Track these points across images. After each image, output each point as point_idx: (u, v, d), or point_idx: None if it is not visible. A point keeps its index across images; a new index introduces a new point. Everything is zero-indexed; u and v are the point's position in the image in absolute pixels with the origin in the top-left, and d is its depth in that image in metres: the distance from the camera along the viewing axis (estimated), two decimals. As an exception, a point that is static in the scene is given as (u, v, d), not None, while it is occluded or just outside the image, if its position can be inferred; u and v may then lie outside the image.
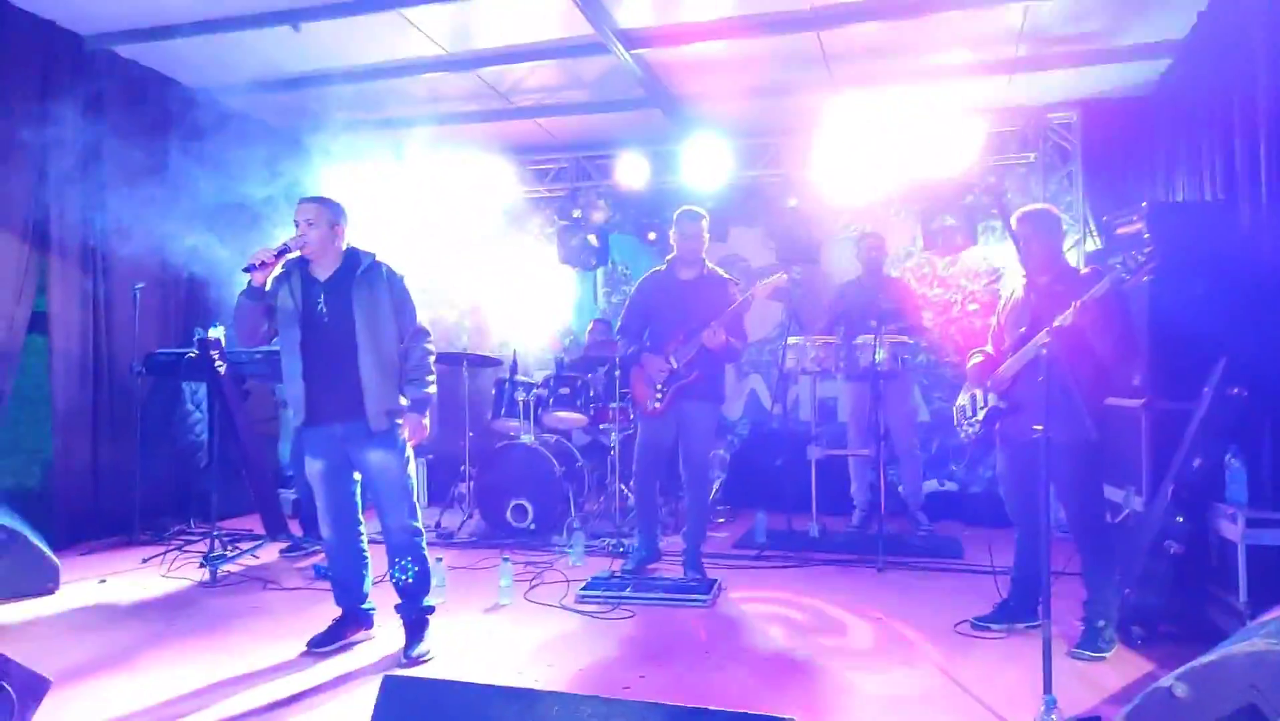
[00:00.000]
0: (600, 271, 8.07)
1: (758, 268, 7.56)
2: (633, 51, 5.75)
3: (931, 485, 6.70)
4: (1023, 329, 3.62)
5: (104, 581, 4.80)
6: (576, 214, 7.38)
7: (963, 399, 3.92)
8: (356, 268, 3.59)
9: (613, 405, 6.20)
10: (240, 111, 6.93)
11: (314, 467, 3.61)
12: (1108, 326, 3.33)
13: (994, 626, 3.85)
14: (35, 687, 2.82)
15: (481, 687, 2.08)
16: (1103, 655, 3.47)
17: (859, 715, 3.01)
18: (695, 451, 4.82)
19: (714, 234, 7.43)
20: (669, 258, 4.91)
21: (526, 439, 6.02)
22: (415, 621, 3.65)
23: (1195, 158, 5.09)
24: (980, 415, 3.79)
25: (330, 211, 3.55)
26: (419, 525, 3.70)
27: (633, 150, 6.78)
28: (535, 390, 6.30)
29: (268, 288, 3.48)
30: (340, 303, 3.53)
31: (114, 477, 5.85)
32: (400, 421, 3.60)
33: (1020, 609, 3.86)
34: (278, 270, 3.48)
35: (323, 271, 3.58)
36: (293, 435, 5.45)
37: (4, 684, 2.70)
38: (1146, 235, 4.06)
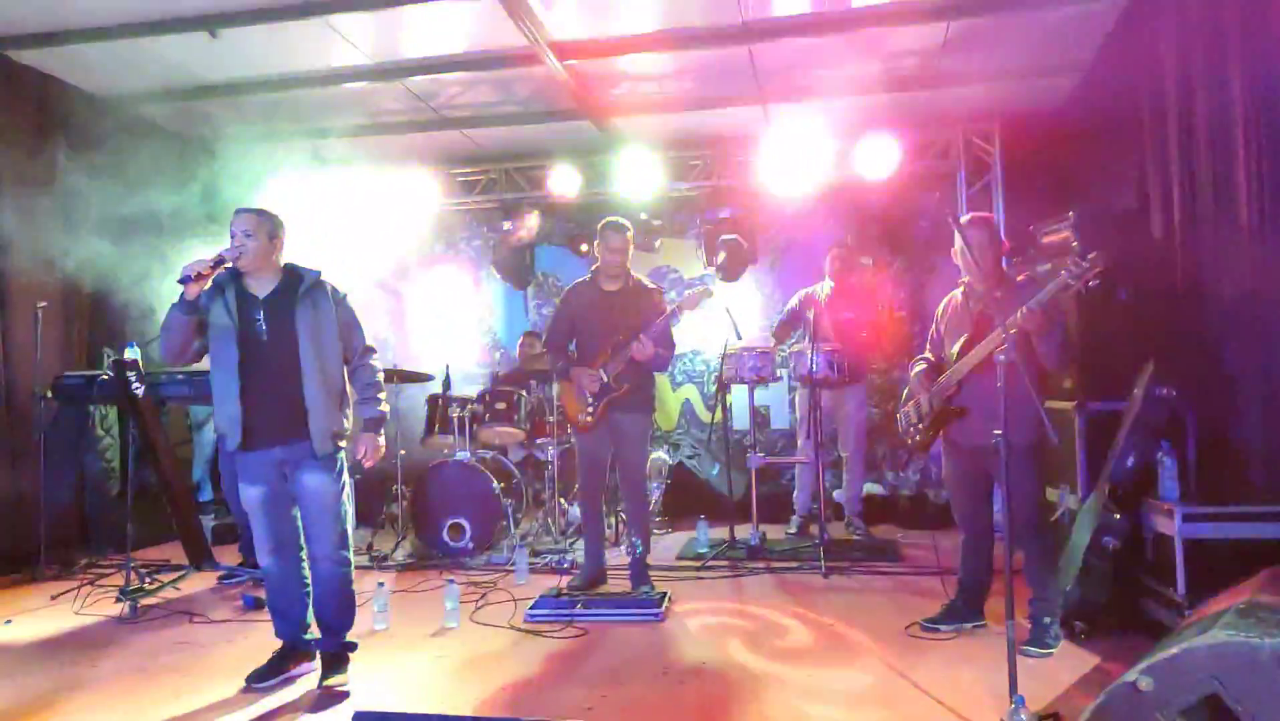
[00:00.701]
0: (528, 283, 7.96)
1: (689, 278, 7.58)
2: (565, 62, 5.70)
3: (866, 489, 6.80)
4: (965, 336, 3.71)
5: (9, 622, 4.45)
6: (506, 226, 7.27)
7: (908, 406, 3.99)
8: (299, 284, 3.42)
9: (549, 419, 6.12)
10: (150, 119, 6.61)
11: (252, 493, 3.40)
12: (1050, 331, 3.43)
13: (943, 627, 3.92)
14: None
15: (455, 719, 1.98)
16: (1050, 651, 3.56)
17: (825, 723, 3.01)
18: (632, 463, 4.80)
19: (644, 245, 7.48)
20: (593, 269, 4.87)
21: (462, 455, 5.87)
22: (335, 656, 3.47)
23: (1109, 169, 5.34)
24: (925, 421, 3.85)
25: (269, 223, 3.38)
26: (349, 555, 3.52)
27: (564, 161, 6.72)
28: (470, 406, 6.15)
29: (200, 301, 3.28)
30: (282, 321, 3.36)
31: (16, 510, 5.45)
32: (344, 445, 3.45)
33: (967, 610, 3.94)
34: (207, 284, 3.29)
35: (260, 287, 3.40)
36: (220, 459, 5.18)
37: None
38: (1075, 243, 4.23)
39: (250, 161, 5.90)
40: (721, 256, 7.12)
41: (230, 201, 5.32)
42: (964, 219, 3.77)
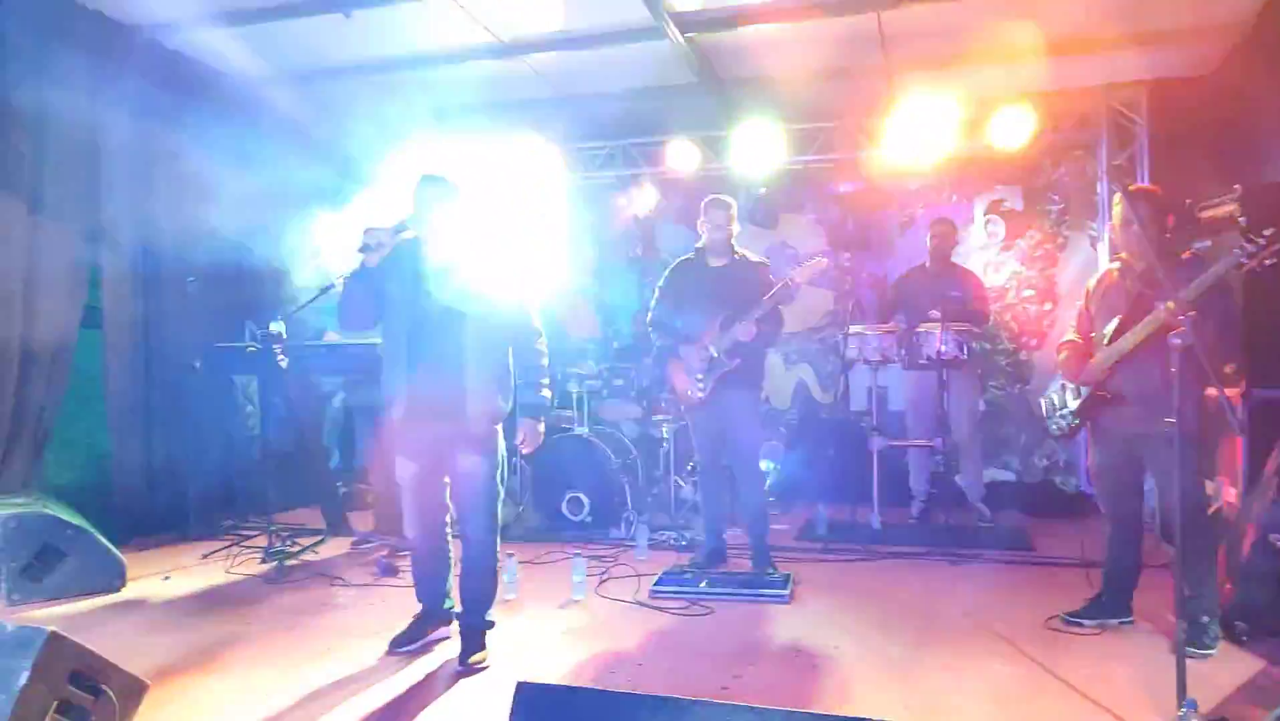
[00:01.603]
0: (643, 260, 7.95)
1: (805, 254, 7.44)
2: (686, 35, 5.63)
3: (989, 475, 6.58)
4: (1119, 317, 3.50)
5: (168, 578, 4.76)
6: (622, 201, 7.27)
7: (1052, 391, 3.81)
8: (474, 258, 3.38)
9: (664, 396, 6.12)
10: (288, 100, 6.85)
11: (406, 469, 3.43)
12: (1211, 312, 3.21)
13: (1086, 622, 3.75)
14: (134, 690, 2.78)
15: (623, 696, 2.00)
16: (1210, 652, 3.36)
17: (971, 714, 2.93)
18: (744, 441, 4.75)
19: (763, 221, 7.38)
20: (698, 245, 4.82)
21: (581, 430, 5.94)
22: (474, 629, 3.50)
23: (1272, 140, 4.95)
24: (1073, 407, 3.67)
25: (450, 191, 3.37)
26: (496, 538, 3.53)
27: (681, 136, 6.66)
28: (588, 381, 6.22)
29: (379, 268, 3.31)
30: (454, 295, 3.32)
31: (168, 472, 5.82)
32: (498, 427, 3.45)
33: (1114, 605, 3.76)
34: (387, 252, 3.32)
35: (437, 258, 3.38)
36: (359, 427, 5.38)
37: (105, 687, 2.66)
38: (1241, 219, 3.94)
39: (381, 136, 6.07)
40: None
41: (363, 178, 5.54)
42: (1131, 188, 3.54)
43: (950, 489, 5.96)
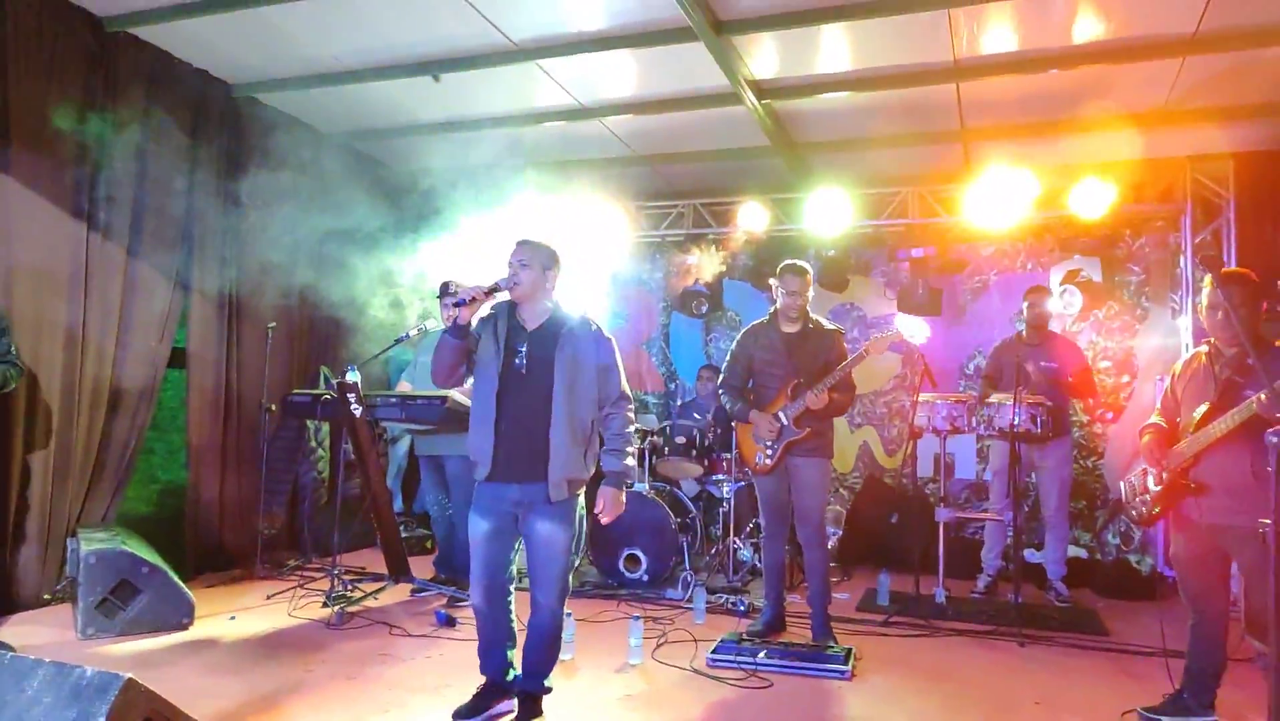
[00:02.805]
0: (709, 318, 7.98)
1: (873, 317, 7.39)
2: (763, 102, 5.71)
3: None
4: (1206, 405, 3.39)
5: (234, 618, 4.86)
6: (692, 259, 7.34)
7: (1133, 475, 3.69)
8: (565, 322, 3.43)
9: (725, 456, 6.09)
10: (374, 157, 7.13)
11: (481, 526, 3.40)
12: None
13: (1165, 719, 3.58)
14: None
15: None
16: (1304, 762, 3.17)
17: (1043, 818, 2.80)
18: (811, 508, 4.67)
19: (832, 283, 7.36)
20: (772, 310, 4.81)
21: (641, 487, 5.94)
22: (532, 696, 3.48)
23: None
24: (1154, 493, 3.55)
25: (544, 255, 3.41)
26: (565, 609, 3.51)
27: (753, 197, 6.71)
28: (650, 437, 6.22)
29: (473, 327, 3.37)
30: (543, 357, 3.33)
31: (239, 511, 5.98)
32: (580, 494, 3.43)
33: (1196, 702, 3.57)
34: (485, 310, 3.37)
35: (530, 320, 3.41)
36: (423, 476, 5.46)
37: (171, 733, 2.71)
38: (1337, 303, 3.80)
39: (460, 192, 6.26)
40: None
41: (440, 232, 5.70)
42: (1223, 272, 3.44)
43: (1024, 565, 5.77)
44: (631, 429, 3.49)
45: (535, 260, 3.38)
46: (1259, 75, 5.08)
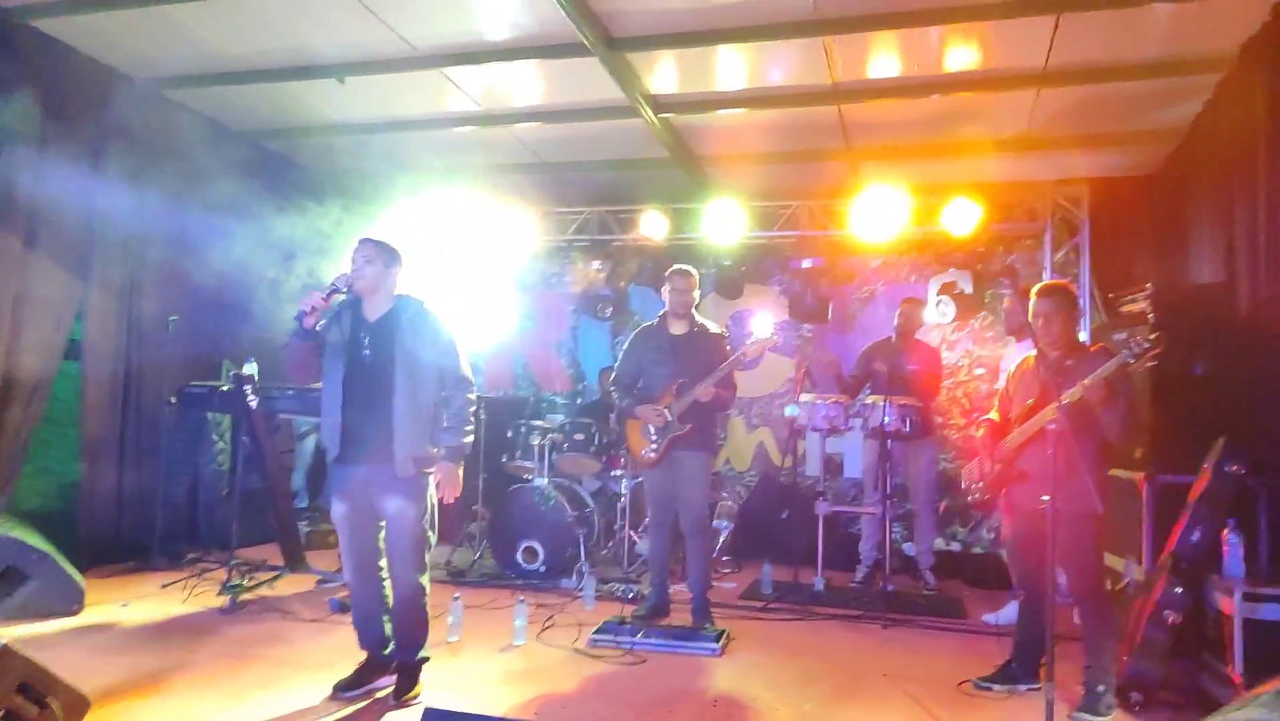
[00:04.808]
0: (615, 321, 8.24)
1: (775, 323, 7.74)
2: (660, 115, 6.00)
3: (936, 544, 6.79)
4: (1030, 401, 3.78)
5: (126, 605, 4.92)
6: (597, 265, 7.60)
7: (971, 464, 4.08)
8: (405, 310, 3.69)
9: (622, 453, 6.35)
10: (279, 154, 7.21)
11: (338, 508, 3.64)
12: (1113, 404, 3.48)
13: (995, 687, 3.96)
14: (78, 706, 2.96)
15: (519, 722, 2.19)
16: (1102, 719, 3.57)
17: (866, 768, 3.12)
18: (692, 500, 4.97)
19: (728, 291, 7.71)
20: (661, 313, 5.13)
21: (540, 482, 6.15)
22: (408, 668, 3.69)
23: (1200, 239, 5.30)
24: (986, 481, 3.93)
25: (387, 253, 3.68)
26: (424, 581, 3.70)
27: (654, 207, 7.01)
28: (550, 434, 6.44)
29: (318, 327, 3.61)
30: (384, 344, 3.61)
31: (137, 503, 5.99)
32: (428, 471, 3.66)
33: (1022, 671, 3.97)
34: (324, 311, 3.60)
35: (373, 311, 3.68)
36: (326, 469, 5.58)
37: (50, 701, 2.83)
38: (1150, 315, 4.25)
39: (368, 193, 6.38)
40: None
41: (349, 231, 5.83)
42: (1035, 287, 3.86)
43: (901, 556, 6.17)
44: (470, 410, 3.74)
45: (379, 257, 3.65)
46: (1108, 107, 5.58)
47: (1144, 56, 4.94)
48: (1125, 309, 4.67)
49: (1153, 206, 6.22)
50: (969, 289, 7.02)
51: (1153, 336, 3.22)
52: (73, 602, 4.65)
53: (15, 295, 5.19)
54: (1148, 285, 4.55)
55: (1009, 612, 4.74)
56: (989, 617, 5.02)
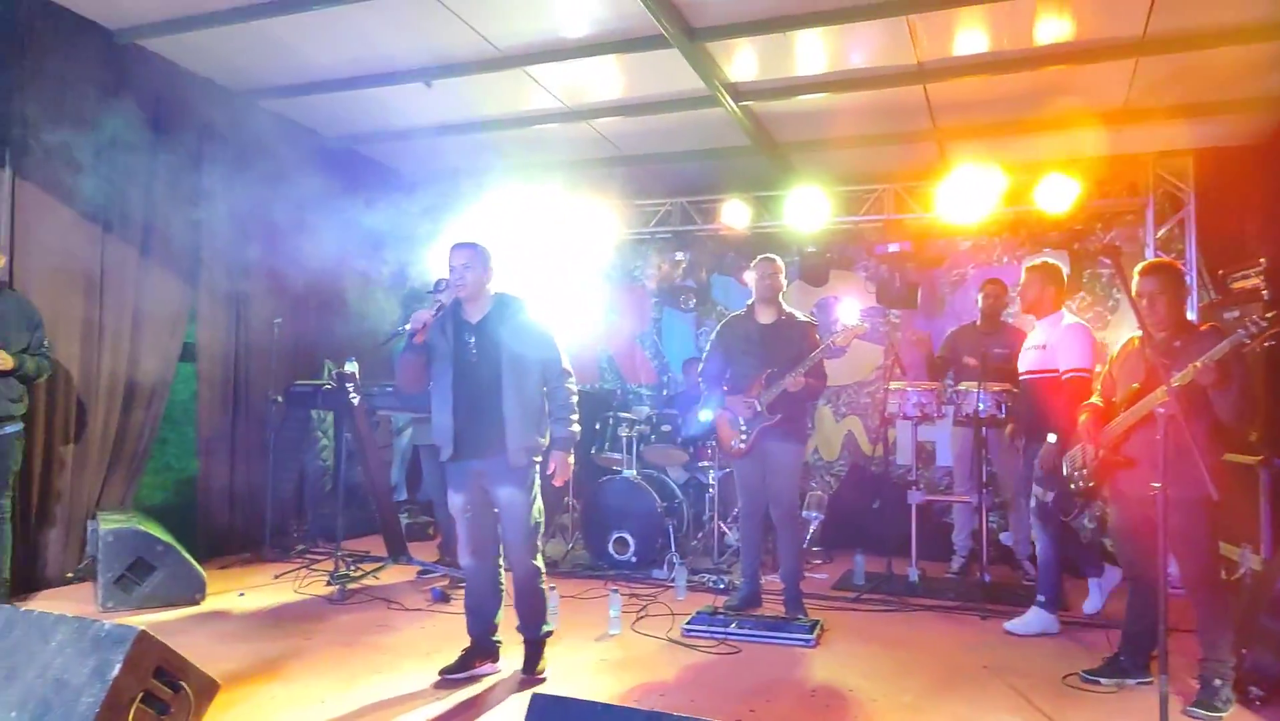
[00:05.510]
0: (699, 311, 8.26)
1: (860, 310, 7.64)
2: (740, 103, 5.97)
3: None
4: (1137, 384, 3.64)
5: (242, 595, 5.18)
6: (680, 256, 7.62)
7: (1074, 451, 3.95)
8: (505, 309, 3.79)
9: (710, 444, 6.36)
10: (370, 158, 7.44)
11: (456, 500, 3.80)
12: (1226, 386, 3.32)
13: (1103, 681, 3.83)
14: (208, 689, 3.14)
15: (631, 711, 2.23)
16: (1219, 715, 3.43)
17: (970, 760, 3.07)
18: (783, 490, 4.94)
19: (813, 278, 7.63)
20: (749, 302, 5.10)
21: (629, 473, 6.22)
22: (535, 642, 3.90)
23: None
24: (1090, 469, 3.81)
25: (483, 256, 3.77)
26: (539, 564, 3.88)
27: (735, 196, 6.98)
28: (638, 426, 6.50)
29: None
30: (489, 343, 3.72)
31: (248, 498, 6.31)
32: (537, 460, 3.79)
33: (1131, 664, 3.84)
34: (429, 323, 3.70)
35: (475, 313, 3.79)
36: (423, 465, 5.75)
37: (183, 684, 3.02)
38: (1265, 292, 4.03)
39: (455, 192, 6.54)
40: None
41: (439, 230, 6.00)
42: (1138, 266, 3.71)
43: (998, 546, 6.02)
44: (574, 399, 3.86)
45: (476, 261, 3.74)
46: (1210, 75, 5.32)
47: (1249, 19, 4.68)
48: (1236, 285, 4.45)
49: (1263, 177, 5.89)
50: (1066, 269, 6.76)
51: (1270, 315, 3.06)
52: (195, 592, 4.92)
53: (135, 302, 5.52)
54: (1261, 260, 4.32)
55: (1029, 621, 4.61)
56: (1010, 626, 4.78)
